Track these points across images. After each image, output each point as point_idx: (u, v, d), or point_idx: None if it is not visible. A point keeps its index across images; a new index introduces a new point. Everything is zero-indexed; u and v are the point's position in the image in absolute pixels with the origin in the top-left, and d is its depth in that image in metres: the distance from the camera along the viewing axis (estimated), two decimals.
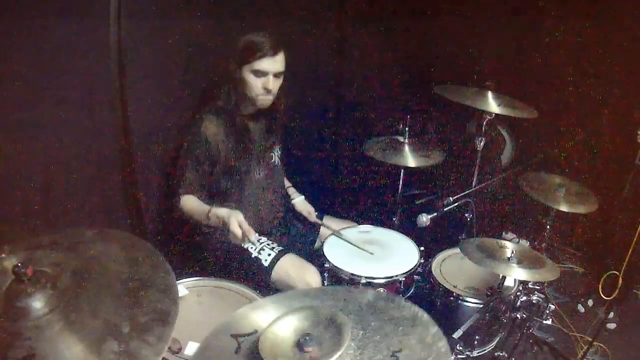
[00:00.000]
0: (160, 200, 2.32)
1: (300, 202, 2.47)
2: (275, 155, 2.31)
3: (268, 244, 2.10)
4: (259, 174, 2.21)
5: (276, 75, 2.05)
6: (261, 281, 2.00)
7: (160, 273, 1.13)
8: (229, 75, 2.07)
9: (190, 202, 2.00)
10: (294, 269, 2.02)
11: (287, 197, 2.47)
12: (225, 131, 2.07)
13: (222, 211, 1.85)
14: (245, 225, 1.77)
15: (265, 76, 2.02)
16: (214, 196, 2.09)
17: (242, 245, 1.88)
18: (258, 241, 2.09)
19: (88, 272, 1.07)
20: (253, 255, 2.03)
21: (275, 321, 1.08)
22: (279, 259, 2.03)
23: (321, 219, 2.44)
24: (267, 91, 2.05)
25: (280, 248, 2.09)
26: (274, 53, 2.01)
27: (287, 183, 2.52)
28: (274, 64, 2.02)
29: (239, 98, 2.08)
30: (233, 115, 2.08)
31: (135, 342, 0.95)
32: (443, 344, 1.04)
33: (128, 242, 1.25)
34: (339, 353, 0.96)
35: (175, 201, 2.02)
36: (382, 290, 1.98)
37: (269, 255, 2.05)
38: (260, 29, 2.06)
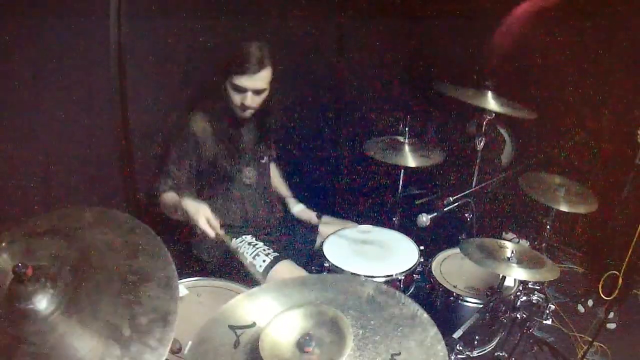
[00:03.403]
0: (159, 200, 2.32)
1: (300, 211, 2.47)
2: (267, 157, 2.29)
3: (263, 250, 2.08)
4: (250, 175, 2.19)
5: (256, 92, 1.98)
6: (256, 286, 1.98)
7: (160, 264, 1.09)
8: (215, 83, 2.00)
9: (169, 198, 1.95)
10: (288, 276, 1.99)
11: (285, 197, 2.47)
12: (212, 131, 2.04)
13: (189, 206, 1.78)
14: (214, 221, 1.73)
15: (244, 92, 1.95)
16: (201, 196, 2.07)
17: (214, 239, 1.83)
18: (254, 246, 2.09)
19: (87, 265, 1.05)
20: (248, 261, 1.99)
21: (275, 317, 1.07)
22: (272, 266, 2.01)
23: (320, 218, 2.44)
24: (244, 107, 1.99)
25: (276, 254, 2.06)
26: (257, 70, 1.91)
27: (286, 192, 2.51)
28: (254, 81, 1.93)
29: (223, 105, 2.03)
30: (221, 117, 2.04)
31: (136, 345, 0.94)
32: (441, 347, 1.04)
33: (128, 225, 1.19)
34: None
35: (157, 195, 1.97)
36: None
37: (264, 261, 2.02)
38: (260, 30, 2.05)
